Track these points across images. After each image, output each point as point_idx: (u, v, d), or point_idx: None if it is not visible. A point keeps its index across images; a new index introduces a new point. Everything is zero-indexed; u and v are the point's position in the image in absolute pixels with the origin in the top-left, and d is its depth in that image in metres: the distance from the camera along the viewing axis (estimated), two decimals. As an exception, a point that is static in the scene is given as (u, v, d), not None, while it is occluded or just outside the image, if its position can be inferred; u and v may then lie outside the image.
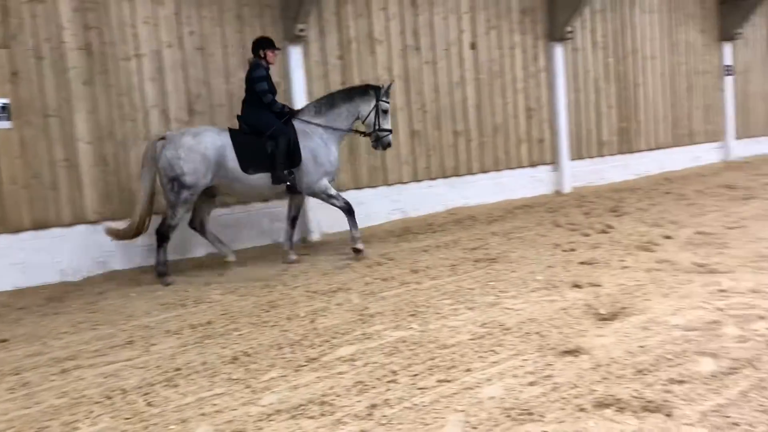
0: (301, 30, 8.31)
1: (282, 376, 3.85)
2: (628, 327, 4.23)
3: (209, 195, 7.12)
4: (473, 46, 10.40)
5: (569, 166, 11.52)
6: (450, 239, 7.95)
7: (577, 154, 11.81)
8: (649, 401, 3.10)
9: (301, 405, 3.43)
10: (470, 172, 10.44)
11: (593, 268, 5.94)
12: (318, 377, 3.80)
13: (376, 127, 7.34)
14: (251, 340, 4.60)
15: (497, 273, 6.03)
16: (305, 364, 4.03)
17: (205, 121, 7.86)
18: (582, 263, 6.15)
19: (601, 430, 2.90)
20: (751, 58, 14.81)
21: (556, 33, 11.20)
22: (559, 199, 10.88)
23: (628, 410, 3.04)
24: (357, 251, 7.17)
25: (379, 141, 7.39)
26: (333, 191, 7.31)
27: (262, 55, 7.13)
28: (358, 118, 7.44)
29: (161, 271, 6.79)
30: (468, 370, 3.71)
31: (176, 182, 6.69)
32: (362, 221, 8.91)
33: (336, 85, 8.88)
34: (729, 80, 14.17)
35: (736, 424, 2.82)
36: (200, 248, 7.74)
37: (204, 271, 7.14)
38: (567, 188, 11.44)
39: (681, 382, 3.30)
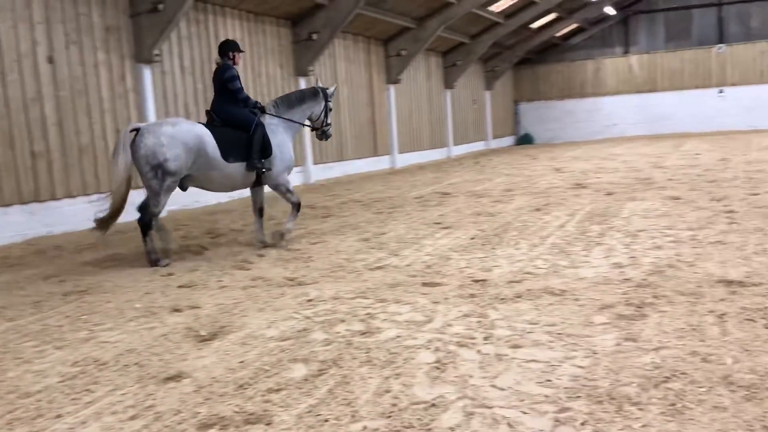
0: None
1: None
2: (228, 345, 4.34)
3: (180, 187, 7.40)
4: (51, 60, 9.52)
5: (163, 190, 11.37)
6: (32, 273, 7.08)
7: (171, 178, 11.74)
8: (251, 414, 3.22)
9: None
10: (54, 198, 9.50)
11: (192, 290, 5.95)
12: None
13: (323, 124, 8.41)
14: None
15: (90, 305, 5.58)
16: None
17: None
18: (181, 286, 6.10)
19: (206, 451, 2.89)
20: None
21: (143, 54, 10.99)
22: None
23: (231, 426, 3.11)
24: (282, 236, 7.93)
25: (325, 134, 8.52)
26: (291, 186, 8.13)
27: (231, 57, 7.71)
28: (310, 118, 8.32)
29: (154, 259, 7.11)
30: (58, 416, 3.34)
31: (160, 169, 6.96)
32: None
33: None
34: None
35: (326, 420, 3.12)
36: None
37: None
38: (162, 212, 11.24)
39: (278, 390, 3.51)
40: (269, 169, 7.70)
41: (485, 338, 4.11)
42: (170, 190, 7.15)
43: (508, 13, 23.30)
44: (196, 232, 9.42)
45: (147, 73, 11.12)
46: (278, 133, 7.87)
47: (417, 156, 21.95)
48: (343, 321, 4.69)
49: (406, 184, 15.08)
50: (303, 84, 15.67)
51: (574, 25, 29.15)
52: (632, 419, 2.90)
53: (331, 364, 3.83)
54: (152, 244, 7.21)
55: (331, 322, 4.69)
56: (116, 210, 7.09)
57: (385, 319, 4.67)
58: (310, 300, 5.35)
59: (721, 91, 29.08)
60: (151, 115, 11.16)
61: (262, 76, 14.45)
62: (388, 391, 3.39)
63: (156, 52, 11.07)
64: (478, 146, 27.64)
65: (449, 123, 24.61)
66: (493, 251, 6.90)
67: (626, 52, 30.67)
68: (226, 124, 7.56)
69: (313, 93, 8.31)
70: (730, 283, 4.98)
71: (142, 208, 7.23)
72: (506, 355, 3.79)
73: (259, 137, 7.55)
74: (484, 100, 28.47)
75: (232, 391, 3.53)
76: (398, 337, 4.26)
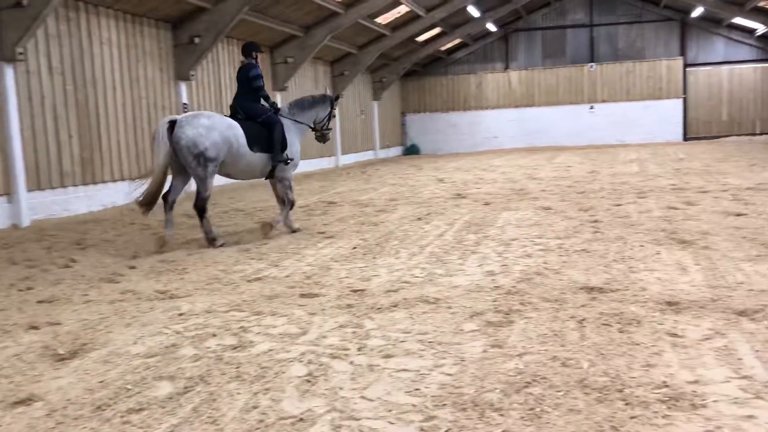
0: None
1: None
2: (89, 363, 4.08)
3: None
4: None
5: (26, 198, 10.61)
6: None
7: (37, 185, 10.99)
8: (107, 437, 3.04)
9: None
10: None
11: (53, 306, 5.57)
12: None
13: (324, 127, 9.35)
14: None
15: (-68, 325, 5.09)
16: None
17: None
18: (40, 302, 5.70)
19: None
20: (204, 97, 16.34)
21: (4, 53, 10.24)
22: (16, 233, 9.92)
23: (85, 452, 2.91)
24: (270, 227, 8.78)
25: (324, 136, 9.48)
26: (293, 184, 9.01)
27: (254, 57, 8.65)
28: (315, 120, 9.17)
29: (212, 238, 8.05)
30: None
31: (201, 157, 7.80)
32: None
33: None
34: (187, 117, 15.31)
35: (189, 439, 2.99)
36: None
37: None
38: (26, 222, 10.51)
39: (139, 410, 3.33)
40: (292, 160, 8.72)
41: (359, 349, 4.11)
42: (213, 174, 8.06)
43: (395, 26, 23.73)
44: (63, 243, 8.86)
45: (9, 73, 10.36)
46: (289, 133, 8.76)
47: (305, 165, 21.75)
48: (214, 335, 4.54)
49: (291, 193, 14.92)
50: (183, 89, 15.20)
51: (457, 40, 30.14)
52: (493, 425, 2.99)
53: (198, 381, 3.69)
54: (208, 226, 8.10)
55: (201, 336, 4.53)
56: (155, 192, 7.91)
57: (258, 333, 4.56)
58: (181, 314, 5.14)
59: (592, 107, 31.03)
60: (14, 117, 10.40)
61: (140, 79, 13.86)
62: (255, 407, 3.31)
63: (20, 50, 10.34)
64: (366, 156, 27.88)
65: (337, 132, 24.65)
66: (373, 261, 6.94)
67: (506, 68, 32.07)
68: (248, 117, 8.49)
69: (323, 99, 9.29)
70: (591, 289, 5.27)
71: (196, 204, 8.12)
72: (378, 366, 3.80)
73: (279, 132, 8.50)
74: (372, 111, 28.78)
75: (89, 414, 3.32)
76: (271, 350, 4.17)
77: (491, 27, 29.94)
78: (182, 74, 15.00)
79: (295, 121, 8.92)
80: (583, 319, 4.46)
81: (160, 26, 14.48)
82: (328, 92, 9.61)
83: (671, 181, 13.32)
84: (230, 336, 4.51)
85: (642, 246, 6.93)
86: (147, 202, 7.99)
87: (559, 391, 3.30)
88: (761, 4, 24.53)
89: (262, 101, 8.71)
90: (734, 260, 6.06)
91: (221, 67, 16.96)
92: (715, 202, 9.86)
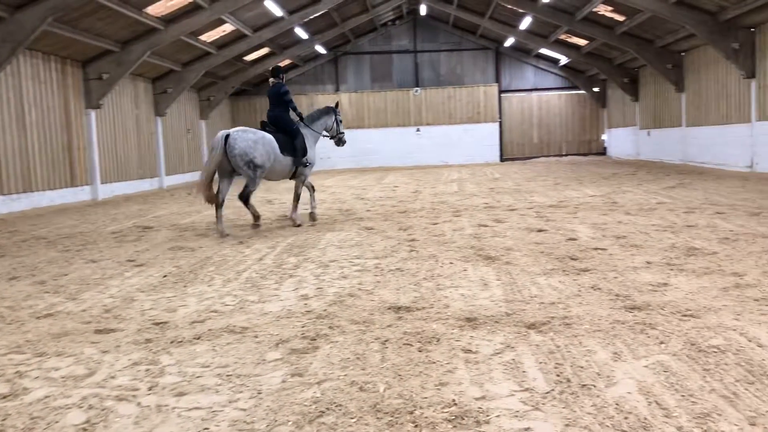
0: None
1: None
2: None
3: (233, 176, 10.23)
4: None
5: None
6: None
7: None
8: None
9: None
10: None
11: None
12: None
13: (337, 132, 11.53)
14: None
15: None
16: None
17: None
18: None
19: None
20: (3, 114, 14.83)
21: None
22: None
23: None
24: (313, 216, 11.32)
25: (340, 140, 11.59)
26: (310, 177, 11.54)
27: (281, 78, 10.85)
28: (326, 128, 11.36)
29: (256, 216, 10.59)
30: None
31: (251, 163, 9.88)
32: None
33: None
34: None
35: None
36: None
37: None
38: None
39: None
40: (311, 164, 10.84)
41: (150, 388, 3.82)
42: (262, 176, 10.19)
43: (221, 44, 23.21)
44: None
45: None
46: (308, 140, 10.90)
47: (125, 186, 20.58)
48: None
49: (105, 218, 13.94)
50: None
51: (287, 61, 30.11)
52: (281, 461, 2.86)
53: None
54: (254, 208, 10.46)
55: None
56: (208, 182, 9.80)
57: (37, 377, 4.10)
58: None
59: (418, 130, 32.36)
60: None
61: None
62: (15, 466, 2.92)
63: None
64: (194, 176, 26.84)
65: (161, 152, 23.56)
66: (184, 289, 6.58)
67: (337, 90, 32.57)
68: (278, 127, 10.49)
69: (327, 110, 11.45)
70: (398, 309, 5.34)
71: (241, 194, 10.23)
72: (167, 406, 3.54)
73: (301, 141, 10.64)
74: (200, 130, 27.85)
75: None
76: (48, 397, 3.75)
77: (320, 49, 30.29)
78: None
79: (311, 129, 11.07)
80: (386, 340, 4.49)
81: (-55, 34, 12.97)
82: (331, 105, 11.68)
83: (485, 200, 14.13)
84: (1, 384, 4.01)
85: (452, 263, 7.20)
86: (202, 190, 9.84)
87: (352, 418, 3.26)
88: (562, 37, 27.05)
89: (291, 112, 10.73)
90: (531, 274, 6.47)
91: (23, 82, 15.52)
92: (521, 219, 10.57)
